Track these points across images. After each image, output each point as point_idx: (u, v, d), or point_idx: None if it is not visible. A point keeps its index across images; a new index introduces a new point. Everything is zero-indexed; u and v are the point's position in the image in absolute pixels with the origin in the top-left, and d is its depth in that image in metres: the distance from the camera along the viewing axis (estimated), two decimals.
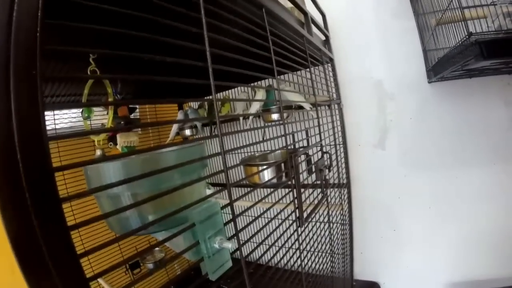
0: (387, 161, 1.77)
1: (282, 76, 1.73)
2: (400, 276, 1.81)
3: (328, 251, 1.26)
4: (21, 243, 0.31)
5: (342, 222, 1.62)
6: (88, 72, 1.02)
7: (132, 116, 1.48)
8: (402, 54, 1.68)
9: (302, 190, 0.91)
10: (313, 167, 1.03)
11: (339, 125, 1.70)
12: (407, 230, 1.76)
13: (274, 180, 1.08)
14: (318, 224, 1.16)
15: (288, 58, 1.01)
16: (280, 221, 0.77)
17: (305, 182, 0.98)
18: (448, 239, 1.64)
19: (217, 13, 0.64)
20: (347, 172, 1.74)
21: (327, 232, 1.23)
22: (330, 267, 1.31)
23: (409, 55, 1.66)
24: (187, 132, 2.08)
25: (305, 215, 0.95)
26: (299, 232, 0.86)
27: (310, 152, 1.11)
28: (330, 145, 1.47)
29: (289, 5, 1.21)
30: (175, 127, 2.11)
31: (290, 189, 0.83)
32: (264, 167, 1.09)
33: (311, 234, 1.04)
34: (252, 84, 1.85)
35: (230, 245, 0.52)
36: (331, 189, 1.41)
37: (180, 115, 2.11)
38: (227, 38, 0.66)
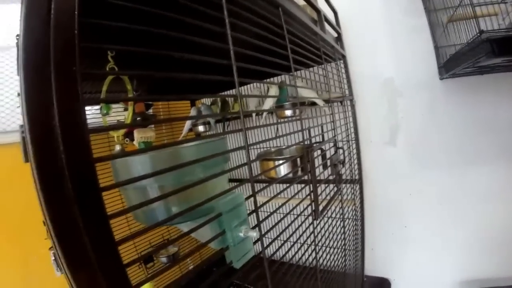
0: (398, 158, 1.78)
1: (296, 73, 1.75)
2: (410, 273, 1.82)
3: (342, 247, 1.28)
4: (65, 233, 0.33)
5: (354, 218, 1.64)
6: (107, 70, 1.05)
7: (148, 112, 1.51)
8: (413, 51, 1.69)
9: (318, 184, 0.93)
10: (328, 162, 1.05)
11: (351, 121, 1.71)
12: (418, 227, 1.76)
13: (290, 175, 1.10)
14: (331, 219, 1.18)
15: (303, 55, 1.03)
16: (295, 215, 0.80)
17: (320, 177, 1.00)
18: (459, 236, 1.65)
19: (238, 13, 0.66)
20: (359, 168, 1.76)
21: (340, 228, 1.25)
22: (342, 263, 1.33)
23: (420, 52, 1.66)
24: (200, 128, 2.10)
25: (320, 208, 0.97)
26: (315, 225, 0.88)
27: (325, 148, 1.13)
28: (343, 141, 1.49)
29: (302, 3, 1.23)
30: (188, 123, 2.12)
31: (306, 184, 0.85)
32: (281, 162, 1.11)
33: (324, 230, 1.06)
34: (268, 80, 1.87)
35: (254, 234, 0.55)
36: (344, 185, 1.42)
37: (193, 112, 2.13)
38: (247, 37, 0.68)
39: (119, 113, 1.62)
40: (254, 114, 1.85)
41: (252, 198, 0.57)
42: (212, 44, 0.57)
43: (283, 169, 1.11)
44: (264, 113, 1.71)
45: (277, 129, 1.88)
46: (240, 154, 2.25)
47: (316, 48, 1.15)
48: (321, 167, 1.06)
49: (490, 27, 1.14)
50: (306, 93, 1.53)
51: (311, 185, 0.85)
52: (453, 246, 1.67)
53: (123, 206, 1.53)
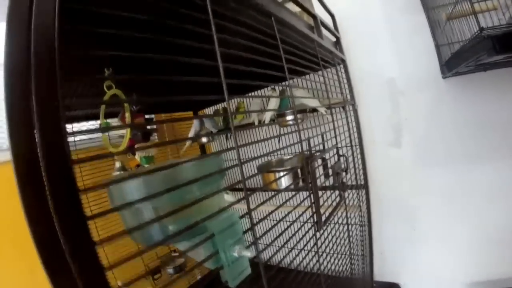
0: (404, 159, 1.76)
1: (295, 81, 1.74)
2: (421, 276, 1.79)
3: (347, 253, 1.26)
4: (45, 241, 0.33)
5: (361, 223, 1.61)
6: (104, 87, 1.05)
7: (149, 126, 1.51)
8: (414, 50, 1.67)
9: (320, 193, 0.92)
10: (330, 171, 1.04)
11: (354, 126, 1.69)
12: (427, 229, 1.73)
13: (292, 186, 1.09)
14: (337, 226, 1.17)
15: (299, 64, 1.02)
16: (298, 225, 0.79)
17: (324, 184, 0.99)
18: (469, 237, 1.61)
19: (227, 27, 0.65)
20: (365, 173, 1.73)
21: (345, 234, 1.23)
22: (349, 269, 1.31)
23: (421, 51, 1.64)
24: (204, 139, 2.10)
25: (323, 218, 0.95)
26: (318, 236, 0.87)
27: (327, 156, 1.11)
28: (346, 147, 1.47)
29: (297, 9, 1.22)
30: (192, 133, 2.13)
31: (308, 195, 0.84)
32: (281, 174, 1.10)
33: (330, 237, 1.05)
34: (266, 89, 1.86)
35: (248, 254, 0.54)
36: (349, 191, 1.40)
37: (195, 123, 2.14)
38: (238, 51, 0.67)
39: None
40: (256, 122, 1.84)
41: (251, 209, 0.56)
42: (201, 62, 0.57)
43: (284, 181, 1.10)
44: (266, 121, 1.69)
45: (280, 138, 1.86)
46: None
47: (313, 55, 1.13)
48: (323, 176, 1.05)
49: (490, 22, 1.11)
50: (307, 101, 1.52)
51: (312, 196, 0.84)
52: (464, 247, 1.63)
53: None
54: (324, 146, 1.02)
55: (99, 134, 1.85)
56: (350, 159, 1.49)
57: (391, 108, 1.77)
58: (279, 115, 1.57)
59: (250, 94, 2.10)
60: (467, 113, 1.55)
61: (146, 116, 1.52)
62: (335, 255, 1.11)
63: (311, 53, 1.14)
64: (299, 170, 1.01)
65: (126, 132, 1.20)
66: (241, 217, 0.57)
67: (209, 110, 2.38)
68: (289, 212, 0.77)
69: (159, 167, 0.51)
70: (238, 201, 0.58)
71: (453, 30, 1.34)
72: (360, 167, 1.70)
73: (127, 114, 1.16)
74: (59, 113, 0.35)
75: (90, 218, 0.36)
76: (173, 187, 0.48)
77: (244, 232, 0.58)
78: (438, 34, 1.55)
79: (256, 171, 1.80)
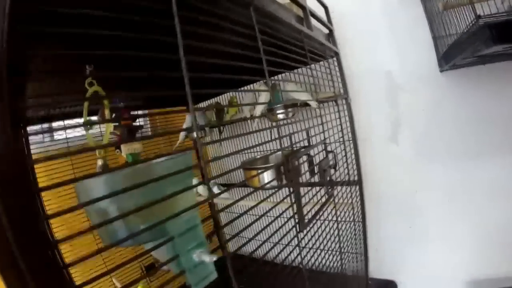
0: (401, 155, 1.71)
1: (285, 75, 1.69)
2: (418, 274, 1.75)
3: (337, 249, 1.22)
4: None
5: (353, 220, 1.57)
6: (86, 85, 1.02)
7: (136, 123, 1.47)
8: (411, 43, 1.61)
9: (307, 189, 0.89)
10: (316, 167, 1.00)
11: (347, 120, 1.65)
12: (425, 227, 1.69)
13: (275, 183, 1.05)
14: (326, 222, 1.13)
15: (284, 57, 0.97)
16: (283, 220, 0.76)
17: (310, 181, 0.95)
18: (468, 235, 1.57)
19: (197, 19, 0.61)
20: (358, 169, 1.69)
21: (334, 231, 1.20)
22: (339, 265, 1.27)
23: (419, 44, 1.59)
24: (195, 134, 2.06)
25: (310, 215, 0.92)
26: (302, 236, 0.83)
27: (314, 152, 1.07)
28: (338, 142, 1.43)
29: (285, 1, 1.18)
30: (183, 131, 2.10)
31: (289, 193, 0.80)
32: (260, 171, 1.06)
33: (316, 233, 1.02)
34: (257, 84, 1.82)
35: (208, 259, 0.51)
36: (340, 187, 1.37)
37: (188, 119, 2.10)
38: (214, 44, 0.63)
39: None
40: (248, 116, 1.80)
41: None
42: (163, 56, 0.53)
43: (266, 178, 1.06)
44: (257, 115, 1.65)
45: (271, 132, 1.83)
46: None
47: (301, 47, 1.09)
48: (308, 173, 1.01)
49: (488, 12, 1.06)
50: (298, 95, 1.48)
51: (293, 195, 0.80)
52: (462, 245, 1.59)
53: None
54: (309, 142, 0.98)
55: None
56: (342, 154, 1.45)
57: (389, 103, 1.72)
58: (270, 109, 1.53)
59: (242, 88, 2.06)
60: (467, 108, 1.50)
61: (139, 112, 1.49)
62: (320, 251, 1.07)
63: (298, 45, 1.10)
64: (282, 167, 0.97)
65: (106, 129, 1.18)
66: (221, 210, 0.54)
67: (203, 106, 2.35)
68: (269, 210, 0.74)
69: (126, 164, 0.48)
70: (225, 191, 0.55)
71: (450, 21, 1.29)
72: (354, 162, 1.66)
73: (106, 111, 1.13)
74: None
75: (49, 217, 0.37)
76: (129, 187, 0.47)
77: (204, 220, 0.55)
78: (436, 26, 1.50)
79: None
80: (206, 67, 1.15)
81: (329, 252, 1.18)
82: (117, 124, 1.43)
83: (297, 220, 0.81)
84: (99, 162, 1.28)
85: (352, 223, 1.56)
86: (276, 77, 1.63)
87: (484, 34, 0.93)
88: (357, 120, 1.73)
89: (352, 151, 1.66)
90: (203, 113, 2.04)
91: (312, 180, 0.99)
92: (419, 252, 1.73)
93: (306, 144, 0.99)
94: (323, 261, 1.14)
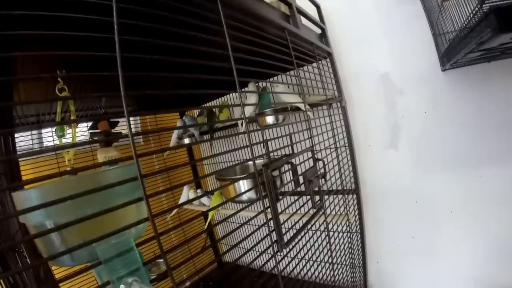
0: (401, 162, 1.60)
1: (276, 77, 1.61)
2: (420, 287, 1.63)
3: (327, 261, 1.13)
4: None
5: (348, 230, 1.47)
6: (56, 91, 0.99)
7: (115, 129, 1.39)
8: (410, 42, 1.51)
9: (292, 200, 0.80)
10: (301, 178, 0.90)
11: (342, 125, 1.55)
12: (427, 237, 1.57)
13: (250, 195, 0.96)
14: (317, 233, 1.04)
15: (265, 56, 0.88)
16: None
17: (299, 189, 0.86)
18: (471, 246, 1.45)
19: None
20: (355, 177, 1.58)
21: (327, 243, 1.10)
22: (331, 277, 1.18)
23: (418, 42, 1.48)
24: (186, 140, 2.00)
25: (293, 231, 0.82)
26: (280, 257, 0.74)
27: (299, 160, 0.97)
28: (330, 148, 1.33)
29: None
30: (174, 135, 2.03)
31: (265, 207, 0.70)
32: (238, 182, 0.97)
33: (304, 244, 0.93)
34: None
35: None
36: (334, 197, 1.27)
37: (179, 124, 2.03)
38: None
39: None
40: (239, 122, 1.71)
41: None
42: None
43: (242, 189, 0.97)
44: (244, 122, 1.56)
45: (263, 136, 1.73)
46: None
47: (285, 46, 1.00)
48: (292, 184, 0.91)
49: None
50: (288, 98, 1.39)
51: (269, 210, 0.70)
52: (465, 257, 1.48)
53: None
54: (292, 149, 0.88)
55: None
56: (335, 162, 1.35)
57: (386, 106, 1.61)
58: (259, 114, 1.43)
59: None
60: (472, 109, 1.39)
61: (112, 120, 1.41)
62: (306, 261, 0.98)
63: (284, 45, 1.01)
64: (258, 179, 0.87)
65: (72, 135, 1.11)
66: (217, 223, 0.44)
67: (195, 113, 2.28)
68: (245, 222, 0.66)
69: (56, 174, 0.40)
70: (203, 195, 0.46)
71: (451, 16, 1.18)
72: (350, 170, 1.56)
73: (73, 117, 1.07)
74: None
75: None
76: (58, 200, 0.41)
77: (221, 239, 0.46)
78: (436, 21, 1.39)
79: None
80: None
81: (318, 263, 1.10)
82: (96, 131, 1.36)
83: (275, 239, 0.71)
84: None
85: (348, 233, 1.45)
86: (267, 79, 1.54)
87: (491, 22, 0.82)
88: (353, 125, 1.63)
89: (349, 157, 1.56)
90: (193, 118, 1.98)
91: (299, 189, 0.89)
92: (420, 263, 1.61)
93: (289, 151, 0.89)
94: (315, 273, 1.06)
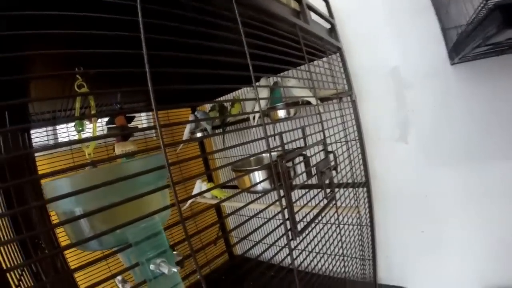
0: (411, 155, 1.62)
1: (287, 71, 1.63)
2: (429, 282, 1.65)
3: (339, 254, 1.15)
4: None
5: (359, 223, 1.49)
6: (75, 87, 1.01)
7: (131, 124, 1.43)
8: (419, 36, 1.52)
9: (304, 192, 0.83)
10: (313, 169, 0.93)
11: (353, 118, 1.57)
12: (437, 231, 1.59)
13: (264, 186, 0.99)
14: (327, 225, 1.07)
15: (279, 52, 0.91)
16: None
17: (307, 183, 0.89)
18: (481, 240, 1.47)
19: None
20: (365, 170, 1.60)
21: (337, 235, 1.13)
22: (342, 270, 1.21)
23: (427, 36, 1.49)
24: (199, 134, 2.04)
25: (306, 220, 0.85)
26: (295, 244, 0.77)
27: (311, 152, 1.00)
28: (340, 142, 1.35)
29: None
30: (187, 130, 2.07)
31: (280, 196, 0.73)
32: (253, 173, 1.00)
33: (315, 237, 0.96)
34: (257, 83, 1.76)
35: (166, 270, 0.46)
36: (345, 189, 1.29)
37: (191, 118, 2.07)
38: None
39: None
40: (251, 117, 1.74)
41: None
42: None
43: (257, 179, 1.00)
44: (256, 116, 1.59)
45: (274, 129, 1.76)
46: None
47: (296, 42, 1.02)
48: (305, 175, 0.94)
49: None
50: (299, 92, 1.41)
51: (284, 199, 0.74)
52: (476, 251, 1.49)
53: None
54: (305, 142, 0.91)
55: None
56: (346, 155, 1.37)
57: (396, 100, 1.63)
58: (271, 108, 1.46)
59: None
60: (481, 103, 1.39)
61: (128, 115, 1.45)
62: (320, 254, 1.01)
63: (295, 40, 1.03)
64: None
65: (93, 129, 1.15)
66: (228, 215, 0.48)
67: (208, 108, 2.32)
68: (258, 212, 0.69)
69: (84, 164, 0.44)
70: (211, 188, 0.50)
71: (459, 9, 1.19)
72: (361, 163, 1.58)
73: (93, 111, 1.11)
74: None
75: None
76: (87, 188, 0.43)
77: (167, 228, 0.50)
78: (444, 15, 1.40)
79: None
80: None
81: (329, 255, 1.12)
82: (113, 125, 1.41)
83: (288, 227, 0.75)
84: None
85: (358, 226, 1.48)
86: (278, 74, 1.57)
87: (496, 18, 0.83)
88: (363, 118, 1.65)
89: (359, 151, 1.58)
90: (205, 113, 2.01)
91: (310, 182, 0.92)
92: (431, 258, 1.63)
93: (302, 144, 0.92)
94: (325, 265, 1.08)
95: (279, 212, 0.72)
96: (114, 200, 0.53)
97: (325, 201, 0.97)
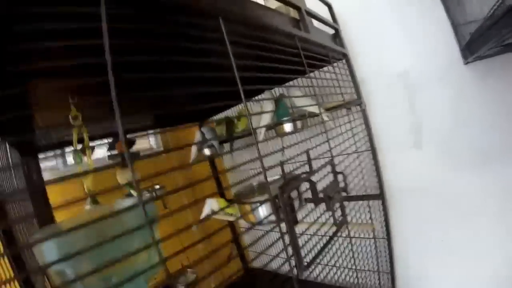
0: (426, 162, 1.51)
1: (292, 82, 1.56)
2: None
3: (351, 267, 1.07)
4: None
5: (374, 237, 1.41)
6: (70, 118, 0.98)
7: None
8: (428, 35, 1.42)
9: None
10: (320, 195, 0.84)
11: (364, 129, 1.48)
12: (458, 241, 1.47)
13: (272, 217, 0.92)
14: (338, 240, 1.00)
15: (273, 69, 0.84)
16: None
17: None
18: (505, 247, 1.35)
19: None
20: (379, 182, 1.51)
21: (350, 250, 1.06)
22: (355, 283, 1.13)
23: (437, 35, 1.39)
24: (206, 151, 1.99)
25: (314, 251, 0.78)
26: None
27: (319, 175, 0.92)
28: (351, 154, 1.27)
29: (277, 4, 1.05)
30: (194, 148, 2.02)
31: (281, 234, 0.66)
32: (256, 205, 0.93)
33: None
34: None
35: None
36: (357, 203, 1.21)
37: (197, 135, 2.02)
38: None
39: None
40: (258, 131, 1.67)
41: None
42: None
43: (261, 212, 0.93)
44: (262, 131, 1.52)
45: (283, 147, 1.69)
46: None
47: (295, 54, 0.95)
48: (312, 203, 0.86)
49: None
50: (303, 104, 1.34)
51: (287, 236, 0.66)
52: (497, 260, 1.37)
53: None
54: (310, 166, 0.83)
55: None
56: (356, 166, 1.29)
57: (407, 105, 1.53)
58: (276, 124, 1.39)
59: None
60: (497, 103, 1.28)
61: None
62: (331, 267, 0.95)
63: (294, 53, 0.96)
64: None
65: (88, 163, 1.10)
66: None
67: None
68: (258, 255, 0.61)
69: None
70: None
71: (471, 3, 1.11)
72: (374, 174, 1.48)
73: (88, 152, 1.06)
74: None
75: None
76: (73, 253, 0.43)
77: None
78: (454, 10, 1.31)
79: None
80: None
81: (338, 268, 1.08)
82: (114, 152, 1.37)
83: (294, 264, 0.67)
84: (87, 206, 1.18)
85: (373, 240, 1.39)
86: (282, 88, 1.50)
87: None
88: (373, 127, 1.55)
89: (372, 161, 1.49)
90: (212, 129, 1.96)
91: (318, 210, 0.85)
92: (451, 268, 1.52)
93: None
94: (335, 277, 1.01)
95: (282, 251, 0.65)
96: (102, 251, 0.49)
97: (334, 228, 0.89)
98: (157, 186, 1.96)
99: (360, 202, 1.42)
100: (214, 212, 1.76)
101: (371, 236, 1.42)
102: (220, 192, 2.38)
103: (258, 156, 0.62)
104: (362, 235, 1.25)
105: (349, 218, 1.12)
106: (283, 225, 0.66)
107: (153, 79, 0.85)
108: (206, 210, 1.86)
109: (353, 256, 1.12)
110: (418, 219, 1.58)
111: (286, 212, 0.64)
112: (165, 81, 1.08)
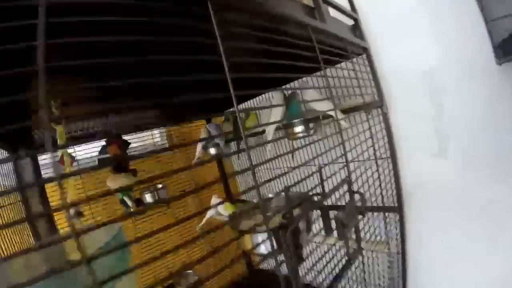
0: (452, 172, 1.35)
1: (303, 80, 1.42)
2: None
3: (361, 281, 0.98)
4: None
5: (388, 253, 1.28)
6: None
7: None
8: (458, 31, 1.25)
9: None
10: (332, 222, 0.70)
11: (385, 135, 1.32)
12: (481, 254, 1.31)
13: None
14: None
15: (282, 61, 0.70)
16: None
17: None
18: None
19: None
20: (398, 193, 1.36)
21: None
22: None
23: (467, 31, 1.22)
24: (212, 150, 1.88)
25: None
26: None
27: (331, 199, 0.78)
28: (370, 159, 1.12)
29: None
30: (199, 147, 1.91)
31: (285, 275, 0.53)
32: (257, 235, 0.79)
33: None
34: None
35: None
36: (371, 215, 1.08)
37: (203, 133, 1.90)
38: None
39: None
40: (267, 130, 1.54)
41: None
42: None
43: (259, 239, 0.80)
44: (271, 131, 1.38)
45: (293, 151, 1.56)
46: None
47: (308, 47, 0.81)
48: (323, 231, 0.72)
49: None
50: (320, 105, 1.19)
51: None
52: None
53: None
54: (323, 187, 0.69)
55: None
56: (375, 175, 1.15)
57: (432, 108, 1.36)
58: (287, 125, 1.25)
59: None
60: None
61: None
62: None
63: (308, 45, 0.82)
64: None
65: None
66: None
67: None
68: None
69: None
70: None
71: None
72: (393, 186, 1.33)
73: (65, 159, 0.95)
74: None
75: None
76: None
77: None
78: (489, 5, 1.13)
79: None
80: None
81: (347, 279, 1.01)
82: (106, 156, 1.25)
83: None
84: (71, 212, 1.07)
85: (387, 255, 1.26)
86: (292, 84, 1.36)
87: None
88: (394, 131, 1.40)
89: (391, 171, 1.33)
90: (218, 126, 1.84)
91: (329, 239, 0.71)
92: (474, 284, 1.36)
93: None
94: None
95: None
96: None
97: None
98: (160, 186, 1.86)
99: (376, 213, 1.28)
100: (219, 214, 1.64)
101: (385, 251, 1.28)
102: (227, 192, 2.27)
103: (250, 166, 0.48)
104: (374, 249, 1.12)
105: (362, 234, 0.98)
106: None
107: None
108: (211, 211, 1.73)
109: (363, 270, 1.04)
110: (434, 234, 1.43)
111: (289, 252, 0.51)
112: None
